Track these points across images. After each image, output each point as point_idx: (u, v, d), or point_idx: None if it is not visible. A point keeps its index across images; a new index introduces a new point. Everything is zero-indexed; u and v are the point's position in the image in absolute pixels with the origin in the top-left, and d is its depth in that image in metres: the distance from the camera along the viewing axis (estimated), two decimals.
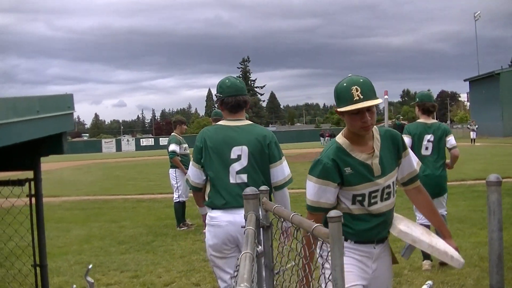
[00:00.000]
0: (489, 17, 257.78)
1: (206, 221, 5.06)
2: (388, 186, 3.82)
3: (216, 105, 6.13)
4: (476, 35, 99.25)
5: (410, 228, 3.95)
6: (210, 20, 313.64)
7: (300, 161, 36.87)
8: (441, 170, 8.29)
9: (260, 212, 3.12)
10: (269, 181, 4.98)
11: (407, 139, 7.81)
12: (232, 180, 4.89)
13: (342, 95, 3.64)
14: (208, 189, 5.03)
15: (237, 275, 2.04)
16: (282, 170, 5.11)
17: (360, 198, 3.74)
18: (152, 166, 39.02)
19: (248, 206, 3.06)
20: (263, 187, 3.32)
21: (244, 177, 4.90)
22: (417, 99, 8.56)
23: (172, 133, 12.58)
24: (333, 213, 1.97)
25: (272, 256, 3.22)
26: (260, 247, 3.03)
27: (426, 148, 8.23)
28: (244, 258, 2.05)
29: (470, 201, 14.03)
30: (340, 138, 3.85)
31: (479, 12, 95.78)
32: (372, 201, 3.77)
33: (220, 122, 5.25)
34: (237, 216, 4.66)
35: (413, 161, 4.08)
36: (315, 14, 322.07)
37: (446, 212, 8.58)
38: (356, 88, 3.55)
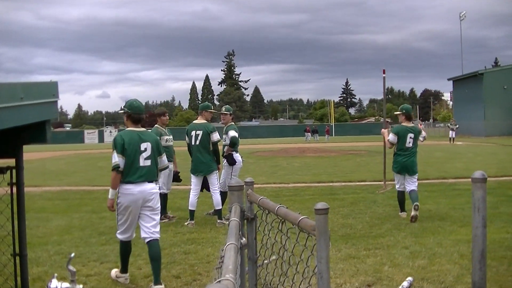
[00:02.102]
0: (475, 17, 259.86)
1: (121, 191, 7.35)
2: None
3: (122, 112, 7.82)
4: (461, 35, 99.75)
5: None
6: (198, 12, 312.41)
7: (282, 155, 36.98)
8: (416, 156, 12.38)
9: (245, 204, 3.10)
10: (158, 166, 7.74)
11: (392, 136, 12.24)
12: (141, 164, 7.39)
13: None
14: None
15: (221, 266, 2.01)
16: (163, 160, 7.94)
17: None
18: None
19: (232, 197, 3.05)
20: (248, 179, 3.30)
21: (148, 162, 7.45)
22: (404, 111, 12.55)
23: (155, 125, 12.52)
24: (320, 205, 1.95)
25: (256, 249, 3.20)
26: (244, 239, 3.01)
27: (409, 142, 12.16)
28: (229, 249, 2.02)
29: (451, 199, 14.12)
30: None
31: (464, 12, 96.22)
32: None
33: (129, 128, 7.58)
34: (141, 187, 7.32)
35: None
36: (302, 9, 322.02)
37: (416, 187, 12.20)
38: None
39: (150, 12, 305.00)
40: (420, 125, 17.25)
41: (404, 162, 12.01)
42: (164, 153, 7.98)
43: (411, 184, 11.97)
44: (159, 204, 7.69)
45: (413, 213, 11.26)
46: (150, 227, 7.54)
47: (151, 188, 7.42)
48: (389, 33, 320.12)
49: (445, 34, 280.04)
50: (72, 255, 4.82)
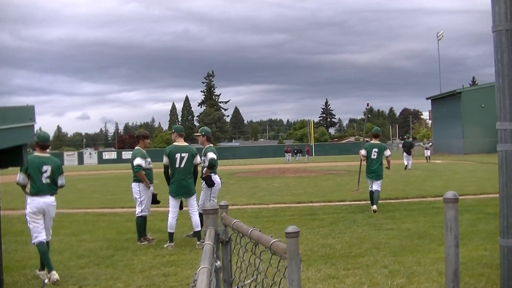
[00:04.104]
0: (453, 36, 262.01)
1: (29, 200, 9.36)
2: None
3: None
4: (439, 54, 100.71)
5: None
6: (179, 33, 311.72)
7: (263, 176, 36.98)
8: (380, 166, 16.29)
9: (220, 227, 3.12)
10: (57, 185, 9.64)
11: (363, 151, 16.53)
12: (43, 182, 9.30)
13: None
14: (29, 186, 9.30)
15: None
16: (62, 179, 9.82)
17: None
18: (116, 179, 38.78)
19: (207, 220, 3.06)
20: (223, 202, 3.33)
21: (48, 180, 9.35)
22: (375, 131, 17.02)
23: (136, 147, 12.50)
24: (291, 229, 1.98)
25: (231, 271, 3.22)
26: (218, 262, 3.03)
27: (374, 155, 16.27)
28: (201, 272, 2.05)
29: (430, 217, 14.19)
30: None
31: (442, 32, 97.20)
32: None
33: (36, 153, 9.44)
34: (44, 199, 9.30)
35: None
36: (283, 29, 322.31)
37: (380, 189, 16.28)
38: None
39: (132, 33, 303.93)
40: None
41: (371, 169, 16.28)
42: (63, 173, 9.86)
43: (376, 186, 16.17)
44: (54, 214, 9.72)
45: (374, 207, 15.62)
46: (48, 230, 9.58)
47: (52, 201, 9.51)
48: (369, 52, 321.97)
49: (424, 53, 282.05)
50: (46, 281, 4.80)
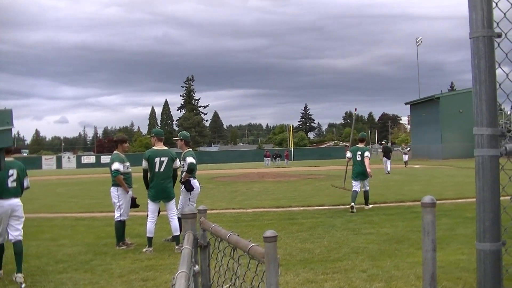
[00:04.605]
0: (432, 42, 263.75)
1: None
2: None
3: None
4: (417, 60, 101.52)
5: None
6: (159, 37, 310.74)
7: (242, 180, 36.95)
8: (364, 166, 17.79)
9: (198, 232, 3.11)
10: (23, 187, 9.89)
11: (348, 153, 18.54)
12: (9, 185, 9.48)
13: None
14: None
15: None
16: (27, 181, 10.05)
17: None
18: (95, 183, 38.58)
19: (186, 225, 3.05)
20: (201, 207, 3.32)
21: (14, 184, 9.58)
22: (361, 136, 19.18)
23: (115, 151, 12.46)
24: (269, 233, 1.98)
25: (210, 276, 3.21)
26: (197, 266, 3.02)
27: (358, 157, 18.02)
28: (180, 277, 2.04)
29: (409, 221, 14.25)
30: None
31: (420, 37, 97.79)
32: None
33: None
34: (9, 202, 9.42)
35: None
36: (264, 34, 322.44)
37: (368, 188, 18.33)
38: None
39: (112, 37, 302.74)
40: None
41: (357, 170, 17.98)
42: (27, 175, 10.09)
43: (366, 186, 18.12)
44: (23, 214, 9.79)
45: (369, 207, 17.85)
46: (16, 231, 9.62)
47: (18, 202, 9.64)
48: (349, 57, 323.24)
49: (403, 59, 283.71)
50: (23, 286, 4.77)
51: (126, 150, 12.63)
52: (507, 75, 3.26)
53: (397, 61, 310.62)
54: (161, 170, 11.76)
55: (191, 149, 12.72)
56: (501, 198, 3.04)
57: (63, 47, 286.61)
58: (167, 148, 12.20)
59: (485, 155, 3.02)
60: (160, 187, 11.78)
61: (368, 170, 17.89)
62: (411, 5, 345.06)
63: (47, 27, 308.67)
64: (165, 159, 11.77)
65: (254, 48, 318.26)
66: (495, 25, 3.03)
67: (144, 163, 11.84)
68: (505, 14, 3.14)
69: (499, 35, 3.06)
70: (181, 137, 12.67)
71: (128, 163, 12.38)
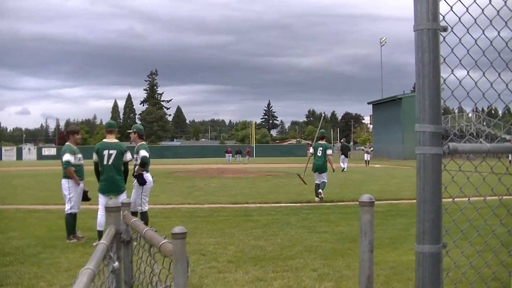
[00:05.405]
0: (396, 43, 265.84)
1: None
2: None
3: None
4: (381, 60, 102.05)
5: None
6: (123, 31, 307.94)
7: (201, 176, 36.82)
8: (324, 162, 19.83)
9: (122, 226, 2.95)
10: None
11: (311, 150, 20.52)
12: None
13: None
14: None
15: None
16: None
17: None
18: (53, 176, 38.05)
19: (109, 219, 2.89)
20: (125, 200, 3.17)
21: None
22: (321, 134, 21.15)
23: (66, 143, 12.23)
24: (177, 230, 1.83)
25: (132, 272, 3.05)
26: (116, 263, 2.85)
27: (319, 153, 19.88)
28: (83, 274, 1.87)
29: None
30: None
31: (385, 38, 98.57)
32: None
33: None
34: None
35: None
36: (228, 31, 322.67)
37: (327, 181, 20.05)
38: None
39: (75, 29, 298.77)
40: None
41: (316, 164, 19.92)
42: None
43: (322, 178, 19.80)
44: None
45: (320, 196, 19.25)
46: None
47: None
48: (313, 56, 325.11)
49: (367, 59, 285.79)
50: None
51: (78, 141, 12.43)
52: (452, 70, 3.14)
53: (361, 61, 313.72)
54: (109, 162, 11.58)
55: (144, 142, 12.53)
56: (443, 200, 2.93)
57: (24, 37, 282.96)
58: (117, 141, 12.01)
59: (427, 153, 2.92)
60: (110, 180, 11.59)
61: (333, 167, 20.71)
62: (375, 6, 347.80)
63: (8, 17, 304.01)
64: (113, 152, 11.58)
65: (218, 45, 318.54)
66: (441, 18, 2.92)
67: (94, 156, 11.68)
68: (451, 7, 3.02)
69: (444, 29, 2.94)
70: (135, 129, 12.48)
71: (80, 155, 12.15)
